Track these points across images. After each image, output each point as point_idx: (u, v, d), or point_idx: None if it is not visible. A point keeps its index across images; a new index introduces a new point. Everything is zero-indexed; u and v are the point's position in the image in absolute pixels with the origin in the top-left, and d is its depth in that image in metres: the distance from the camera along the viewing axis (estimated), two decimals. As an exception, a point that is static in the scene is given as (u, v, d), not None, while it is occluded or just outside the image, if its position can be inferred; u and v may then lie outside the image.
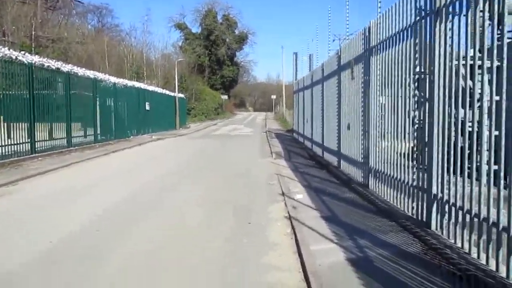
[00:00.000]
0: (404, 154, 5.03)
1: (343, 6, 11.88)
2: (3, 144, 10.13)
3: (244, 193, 7.19)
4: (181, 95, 34.46)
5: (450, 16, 3.79)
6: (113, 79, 18.27)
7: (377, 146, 6.22)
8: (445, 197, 3.92)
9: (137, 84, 22.43)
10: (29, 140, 11.27)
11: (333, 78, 9.44)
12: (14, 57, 10.75)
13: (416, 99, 4.77)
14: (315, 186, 7.35)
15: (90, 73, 15.92)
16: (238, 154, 13.88)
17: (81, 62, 34.83)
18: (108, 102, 17.72)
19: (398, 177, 5.16)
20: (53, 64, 12.98)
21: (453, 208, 3.76)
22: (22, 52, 11.45)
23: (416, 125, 4.77)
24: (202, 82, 52.41)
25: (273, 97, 62.79)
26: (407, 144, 4.99)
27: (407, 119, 4.97)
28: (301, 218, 4.96)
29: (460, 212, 3.62)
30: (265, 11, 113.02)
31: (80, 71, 15.05)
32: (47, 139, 12.43)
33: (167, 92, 29.88)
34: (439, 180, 4.07)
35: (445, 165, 3.95)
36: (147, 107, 23.23)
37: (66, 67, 13.83)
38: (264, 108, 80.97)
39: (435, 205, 4.14)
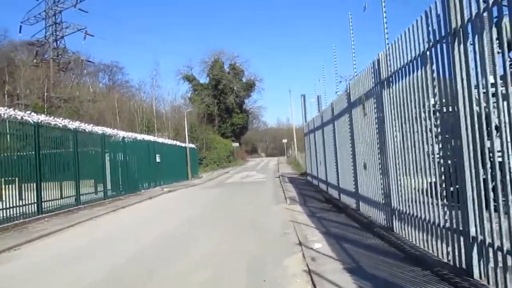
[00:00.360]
0: (427, 191, 4.54)
1: (348, 47, 11.74)
2: (6, 206, 9.80)
3: (258, 244, 6.64)
4: (192, 145, 34.44)
5: (470, 36, 3.42)
6: (122, 133, 18.22)
7: (398, 185, 5.73)
8: (488, 239, 3.39)
9: (146, 137, 22.39)
10: (35, 200, 10.97)
11: (344, 116, 9.08)
12: (19, 117, 10.67)
13: (438, 130, 4.33)
14: (335, 232, 6.78)
15: (98, 129, 15.87)
16: (251, 201, 13.36)
17: (93, 120, 35.44)
18: (118, 156, 17.57)
19: (427, 218, 4.63)
20: (60, 122, 12.92)
21: (499, 252, 3.23)
22: (28, 112, 11.38)
23: (440, 159, 4.30)
24: (212, 131, 52.74)
25: (284, 141, 62.66)
26: (429, 180, 4.51)
27: (426, 153, 4.52)
28: (322, 272, 4.41)
29: (509, 257, 3.08)
30: (270, 57, 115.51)
31: (88, 127, 14.99)
32: (55, 198, 12.10)
33: (178, 143, 29.85)
34: (477, 219, 3.56)
35: (483, 202, 3.45)
36: (158, 159, 23.05)
37: (73, 124, 13.76)
38: (276, 153, 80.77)
39: (475, 248, 3.60)
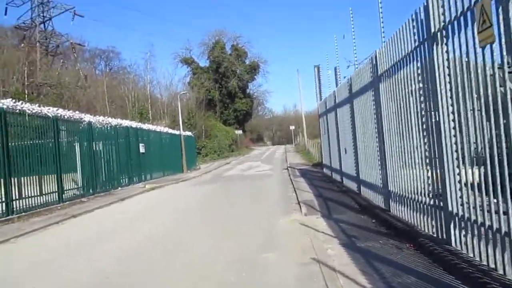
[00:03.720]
0: None
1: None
2: None
3: None
4: (189, 133, 30.53)
5: None
6: (87, 118, 14.34)
7: None
8: None
9: (126, 123, 18.46)
10: None
11: (408, 67, 5.08)
12: None
13: None
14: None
15: (49, 111, 11.99)
16: (249, 208, 9.41)
17: (81, 107, 31.77)
18: (82, 147, 13.74)
19: None
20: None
21: None
22: None
23: None
24: (213, 117, 48.61)
25: (292, 127, 58.43)
26: None
27: None
28: None
29: None
30: (274, 41, 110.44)
31: (33, 108, 11.16)
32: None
33: (170, 130, 25.94)
34: None
35: None
36: (142, 150, 19.21)
37: (2, 104, 9.90)
38: (283, 141, 76.81)
39: None
